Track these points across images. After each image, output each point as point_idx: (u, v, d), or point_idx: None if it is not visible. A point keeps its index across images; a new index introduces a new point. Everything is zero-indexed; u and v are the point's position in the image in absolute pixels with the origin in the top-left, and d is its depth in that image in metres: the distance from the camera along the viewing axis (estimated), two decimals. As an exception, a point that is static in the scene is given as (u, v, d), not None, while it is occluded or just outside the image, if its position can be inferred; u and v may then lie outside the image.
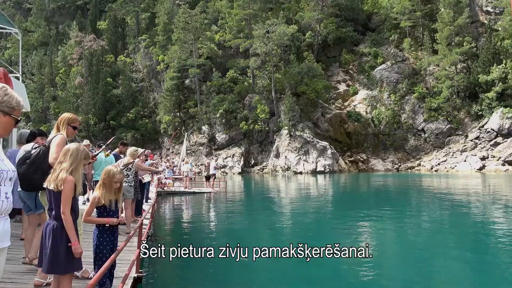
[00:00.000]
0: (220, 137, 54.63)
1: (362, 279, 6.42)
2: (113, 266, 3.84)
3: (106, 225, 3.68)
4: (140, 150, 10.24)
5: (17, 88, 9.66)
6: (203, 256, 8.37)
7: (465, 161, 46.86)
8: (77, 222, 3.24)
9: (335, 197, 21.56)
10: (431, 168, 48.95)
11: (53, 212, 3.09)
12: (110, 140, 7.82)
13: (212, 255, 8.28)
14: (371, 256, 8.04)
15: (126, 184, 7.90)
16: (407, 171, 50.59)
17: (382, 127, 54.77)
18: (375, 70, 56.93)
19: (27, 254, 4.64)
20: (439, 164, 48.92)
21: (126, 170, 7.86)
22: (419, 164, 51.37)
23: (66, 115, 4.49)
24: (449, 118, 51.23)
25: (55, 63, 72.15)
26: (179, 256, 8.56)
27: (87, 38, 65.35)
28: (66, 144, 5.44)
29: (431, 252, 8.36)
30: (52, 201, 3.09)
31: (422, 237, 10.06)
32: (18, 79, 10.60)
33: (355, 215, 13.56)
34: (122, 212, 6.95)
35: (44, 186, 3.14)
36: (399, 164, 52.51)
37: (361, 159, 53.18)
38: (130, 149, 8.17)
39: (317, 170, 47.43)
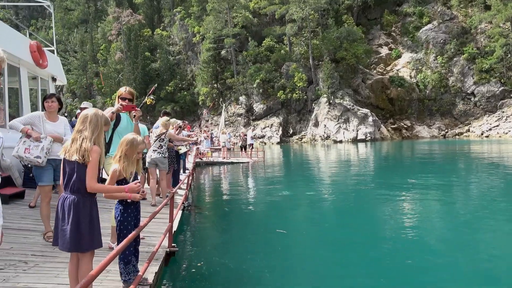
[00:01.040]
0: (258, 107, 54.25)
1: (404, 254, 6.00)
2: (137, 242, 3.68)
3: (132, 201, 3.46)
4: (175, 121, 10.12)
5: (51, 61, 9.77)
6: (241, 228, 8.30)
7: (520, 125, 43.68)
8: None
9: (377, 166, 20.79)
10: (482, 134, 46.13)
11: (74, 186, 2.90)
12: (152, 89, 7.53)
13: (251, 228, 8.20)
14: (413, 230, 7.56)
15: (160, 156, 7.78)
16: (455, 137, 48.05)
17: (427, 91, 51.94)
18: (420, 31, 53.42)
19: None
20: (490, 129, 45.97)
21: (159, 141, 7.75)
22: (468, 130, 48.56)
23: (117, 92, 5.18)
24: (502, 80, 47.51)
25: (95, 40, 73.88)
26: (216, 227, 8.55)
27: (124, 13, 66.10)
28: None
29: (478, 225, 7.68)
30: (73, 173, 2.89)
31: (469, 208, 9.32)
32: (53, 53, 10.71)
33: (398, 185, 12.92)
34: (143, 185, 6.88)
35: (62, 157, 2.95)
36: (446, 130, 49.91)
37: (405, 126, 51.04)
38: (162, 119, 7.96)
39: (358, 138, 46.15)
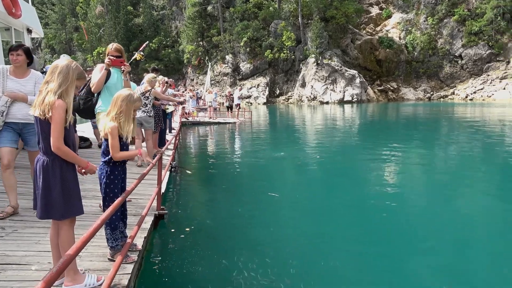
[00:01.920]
0: (244, 66, 53.13)
1: (384, 214, 5.99)
2: (124, 207, 3.44)
3: (120, 161, 3.20)
4: (162, 78, 9.64)
5: (25, 10, 9.03)
6: (230, 189, 8.15)
7: (504, 89, 44.15)
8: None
9: (362, 127, 20.78)
10: (466, 97, 46.58)
11: (42, 146, 2.60)
12: (143, 46, 7.05)
13: (240, 190, 8.06)
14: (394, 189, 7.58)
15: (145, 114, 7.41)
16: (440, 100, 48.41)
17: (416, 53, 51.55)
18: (412, -10, 52.14)
19: None
20: (475, 92, 46.39)
21: (144, 99, 7.34)
22: (453, 93, 48.92)
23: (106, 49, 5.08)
24: (490, 43, 47.35)
25: (74, -9, 69.92)
26: (205, 189, 8.39)
27: (104, -38, 62.21)
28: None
29: (458, 186, 7.81)
30: (39, 131, 2.60)
31: (450, 169, 9.45)
32: (28, 2, 9.90)
33: (382, 146, 12.92)
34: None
35: (30, 113, 2.62)
36: (432, 93, 50.16)
37: (391, 88, 51.04)
38: (148, 76, 7.47)
39: (345, 100, 46.02)
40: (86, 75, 2.82)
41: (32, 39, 10.62)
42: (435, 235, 5.19)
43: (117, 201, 2.67)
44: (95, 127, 9.17)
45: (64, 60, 2.64)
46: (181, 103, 18.62)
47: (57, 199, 2.60)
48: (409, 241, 4.98)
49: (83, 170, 2.79)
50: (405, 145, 13.12)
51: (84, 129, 11.75)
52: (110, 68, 5.15)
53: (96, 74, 5.10)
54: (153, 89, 7.49)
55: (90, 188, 5.52)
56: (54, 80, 2.53)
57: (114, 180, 3.20)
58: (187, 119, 21.73)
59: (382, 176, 8.66)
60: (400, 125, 21.61)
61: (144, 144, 7.70)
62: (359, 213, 6.22)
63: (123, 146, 3.23)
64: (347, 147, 13.32)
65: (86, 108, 5.13)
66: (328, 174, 9.35)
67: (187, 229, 5.28)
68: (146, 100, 7.38)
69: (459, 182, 8.22)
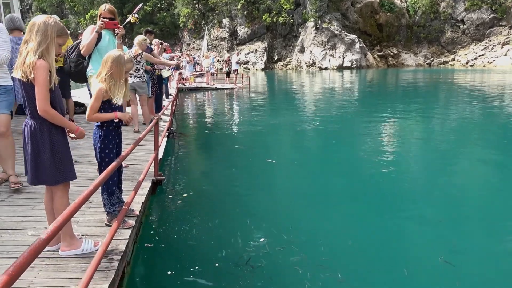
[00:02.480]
0: (242, 31, 51.86)
1: (380, 180, 6.00)
2: (120, 172, 3.37)
3: (113, 124, 3.09)
4: (156, 41, 9.33)
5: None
6: (228, 155, 8.10)
7: (505, 55, 43.51)
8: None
9: (361, 94, 20.58)
10: (466, 63, 45.96)
11: (28, 110, 2.48)
12: (137, 8, 6.62)
13: (238, 156, 8.00)
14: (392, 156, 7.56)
15: (138, 80, 7.14)
16: (440, 66, 47.78)
17: (417, 17, 50.33)
18: (416, -51, 50.18)
19: None
20: (475, 58, 45.72)
21: (135, 63, 7.04)
22: (454, 59, 48.22)
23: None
24: (493, 7, 46.16)
25: (63, -50, 66.91)
26: (202, 155, 8.34)
27: None
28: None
29: (456, 153, 7.80)
30: (24, 95, 2.48)
31: (448, 136, 9.41)
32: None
33: (380, 113, 12.84)
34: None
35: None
36: (432, 58, 49.41)
37: (391, 54, 50.21)
38: (138, 38, 7.09)
39: (344, 65, 45.35)
40: (67, 31, 2.64)
41: (21, 1, 10.16)
42: (430, 202, 5.21)
43: (112, 165, 2.59)
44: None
45: (41, 16, 2.46)
46: (177, 67, 18.26)
47: (47, 164, 2.52)
48: (403, 208, 5.00)
49: (72, 135, 2.70)
50: (403, 112, 13.03)
51: (79, 94, 11.54)
52: (102, 31, 4.96)
53: (87, 36, 4.90)
54: (144, 53, 7.19)
55: (87, 154, 5.45)
56: (33, 39, 2.37)
57: (109, 145, 3.11)
58: (184, 85, 21.40)
59: (380, 142, 8.62)
60: (399, 92, 21.40)
61: (140, 109, 7.55)
62: (356, 178, 6.23)
63: (115, 109, 3.11)
64: (345, 114, 13.22)
65: (77, 71, 4.98)
66: (326, 140, 9.30)
67: (185, 194, 5.27)
68: (138, 64, 7.07)
69: (458, 149, 8.20)
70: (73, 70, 4.96)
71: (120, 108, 3.18)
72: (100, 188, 3.24)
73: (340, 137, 9.49)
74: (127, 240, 3.08)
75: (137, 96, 7.34)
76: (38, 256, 2.71)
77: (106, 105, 3.09)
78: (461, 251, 3.83)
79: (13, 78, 2.86)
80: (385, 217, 4.65)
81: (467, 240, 4.09)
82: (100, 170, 3.12)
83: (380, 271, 3.48)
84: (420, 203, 5.09)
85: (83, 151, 5.54)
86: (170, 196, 5.22)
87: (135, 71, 7.05)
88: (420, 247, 3.95)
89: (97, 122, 3.12)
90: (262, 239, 3.93)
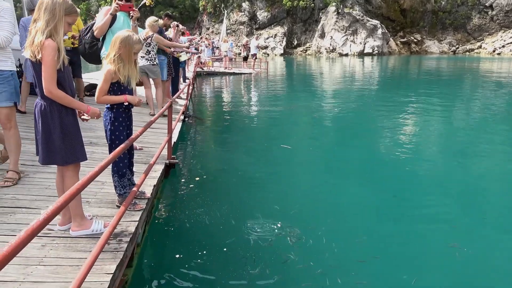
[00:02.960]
0: (262, 15, 51.24)
1: (398, 170, 5.86)
2: (131, 154, 3.37)
3: (123, 106, 3.06)
4: (174, 23, 9.25)
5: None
6: (244, 141, 8.07)
7: (535, 43, 41.75)
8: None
9: (381, 81, 20.14)
10: (493, 51, 44.35)
11: (38, 89, 2.48)
12: None
13: (253, 141, 7.95)
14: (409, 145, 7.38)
15: (148, 63, 6.98)
16: (465, 54, 46.26)
17: (443, 2, 48.65)
18: None
19: None
20: (503, 46, 44.06)
21: (145, 46, 6.90)
22: (480, 47, 46.60)
23: None
24: (525, -8, 44.14)
25: None
26: (217, 139, 8.32)
27: None
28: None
29: (477, 143, 7.54)
30: (34, 74, 2.47)
31: (470, 126, 9.10)
32: None
33: (401, 101, 12.54)
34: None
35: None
36: (457, 46, 47.87)
37: (415, 40, 48.85)
38: (149, 19, 6.92)
39: (365, 52, 44.42)
40: (77, 9, 2.59)
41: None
42: (448, 193, 5.06)
43: (120, 147, 2.58)
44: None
45: None
46: (196, 50, 18.14)
47: (57, 144, 2.52)
48: (421, 197, 4.87)
49: (84, 116, 2.67)
50: (425, 101, 12.67)
51: (97, 76, 11.64)
52: (117, 13, 4.93)
53: (100, 18, 4.88)
54: (155, 34, 7.05)
55: (102, 136, 5.47)
56: (41, 18, 2.34)
57: (119, 127, 3.10)
58: (202, 69, 21.36)
59: (399, 131, 8.42)
60: (421, 80, 20.83)
61: (154, 93, 7.51)
62: (372, 166, 6.11)
63: (125, 91, 3.08)
64: (364, 102, 12.96)
65: (91, 52, 4.97)
66: (344, 127, 9.15)
67: (198, 178, 5.27)
68: (148, 46, 6.92)
69: (480, 140, 7.92)
70: (87, 51, 4.96)
71: (131, 91, 3.16)
72: (111, 170, 3.26)
73: (359, 125, 9.32)
74: (136, 222, 3.09)
75: (150, 80, 7.26)
76: (49, 236, 2.77)
77: (116, 87, 3.06)
78: (476, 240, 3.71)
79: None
80: (401, 206, 4.55)
81: (483, 231, 3.96)
82: (111, 152, 3.12)
83: (394, 257, 3.41)
84: (437, 194, 4.96)
85: (99, 132, 5.59)
86: (183, 180, 5.24)
87: (146, 54, 6.94)
88: (433, 235, 3.85)
89: (107, 104, 3.10)
90: (274, 225, 3.90)
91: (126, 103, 3.09)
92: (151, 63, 7.05)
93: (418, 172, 5.83)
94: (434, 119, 9.88)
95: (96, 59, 5.12)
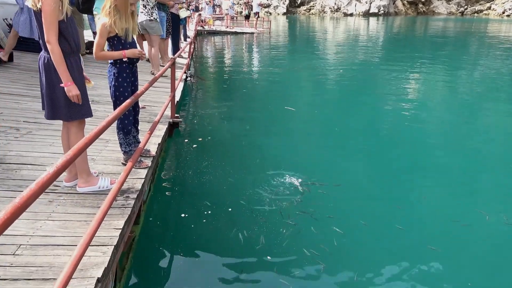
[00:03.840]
0: (265, -29, 49.21)
1: (402, 129, 5.83)
2: (136, 111, 3.30)
3: (125, 61, 2.95)
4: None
5: None
6: (247, 101, 7.94)
7: (547, 4, 40.38)
8: (79, 56, 2.53)
9: (387, 42, 19.67)
10: (503, 13, 43.00)
11: (41, 41, 2.37)
12: None
13: (257, 102, 7.83)
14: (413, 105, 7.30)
15: (146, 18, 6.73)
16: (473, 15, 44.91)
17: (454, -40, 46.56)
18: None
19: None
20: (513, 7, 42.63)
21: (141, 0, 6.61)
22: (489, 8, 45.11)
23: None
24: (541, -51, 42.15)
25: None
26: (220, 99, 8.20)
27: None
28: None
29: (481, 106, 7.45)
30: (38, 25, 2.35)
31: (475, 89, 8.96)
32: None
33: (406, 62, 12.29)
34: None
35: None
36: (466, 7, 46.37)
37: (422, 0, 47.23)
38: None
39: (370, 11, 43.11)
40: None
41: None
42: (450, 155, 5.05)
43: (126, 102, 2.52)
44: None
45: None
46: (196, 8, 17.62)
47: (61, 99, 2.45)
48: (421, 160, 4.86)
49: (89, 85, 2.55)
50: (430, 63, 12.43)
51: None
52: None
53: None
54: None
55: (104, 94, 5.40)
56: None
57: (123, 83, 3.01)
58: (203, 28, 20.81)
59: (403, 93, 8.31)
60: (427, 41, 20.34)
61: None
62: (376, 127, 6.07)
63: (125, 46, 2.96)
64: (369, 63, 12.70)
65: (84, 9, 4.80)
66: (348, 88, 9.01)
67: (201, 138, 5.24)
68: (143, 1, 6.62)
69: (484, 103, 7.83)
70: (81, 7, 4.78)
71: (133, 44, 3.03)
72: (116, 127, 3.21)
73: (363, 86, 9.18)
74: (143, 179, 3.09)
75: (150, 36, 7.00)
76: (56, 192, 2.77)
77: (116, 41, 2.93)
78: (478, 207, 3.73)
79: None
80: (402, 168, 4.54)
81: (485, 196, 3.98)
82: (115, 109, 3.05)
83: (396, 221, 3.44)
84: (440, 156, 4.94)
85: (101, 90, 5.50)
86: (186, 140, 5.21)
87: (142, 8, 6.67)
88: (434, 202, 3.87)
89: (110, 60, 3.00)
90: (277, 184, 3.91)
91: (125, 59, 2.97)
92: (148, 18, 6.75)
93: (422, 133, 5.80)
94: (439, 80, 9.71)
95: (90, 13, 4.95)
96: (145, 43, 7.47)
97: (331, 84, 9.49)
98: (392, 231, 3.27)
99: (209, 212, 3.40)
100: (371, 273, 2.76)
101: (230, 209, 3.46)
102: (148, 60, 7.05)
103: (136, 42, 3.09)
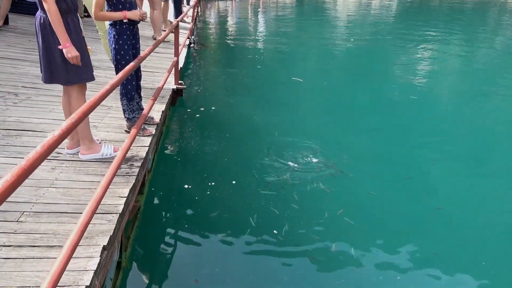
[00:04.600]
0: None
1: (408, 107, 5.69)
2: (138, 77, 3.16)
3: (125, 23, 2.78)
4: None
5: None
6: (252, 69, 7.73)
7: None
8: (77, 16, 2.37)
9: (400, 12, 19.03)
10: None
11: (37, 0, 2.22)
12: None
13: (263, 71, 7.61)
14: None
15: None
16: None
17: None
18: None
19: None
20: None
21: None
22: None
23: None
24: None
25: None
26: (225, 67, 7.99)
27: None
28: None
29: (494, 84, 7.19)
30: None
31: (489, 66, 8.65)
32: None
33: (419, 34, 11.88)
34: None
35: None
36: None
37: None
38: None
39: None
40: None
41: None
42: (457, 135, 4.91)
43: (130, 65, 2.39)
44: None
45: None
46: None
47: (59, 61, 2.32)
48: (427, 139, 4.74)
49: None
50: (445, 36, 11.98)
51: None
52: None
53: None
54: None
55: (104, 59, 5.24)
56: None
57: (124, 46, 2.85)
58: (206, -7, 20.15)
59: (414, 67, 8.07)
60: (443, 12, 19.65)
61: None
62: (384, 103, 5.93)
63: (125, 6, 2.77)
64: (380, 34, 12.29)
65: None
66: (358, 59, 8.76)
67: (203, 108, 5.12)
68: None
69: (497, 82, 7.54)
70: None
71: (132, 4, 2.86)
72: (119, 93, 3.09)
73: (372, 57, 8.93)
74: (147, 147, 3.01)
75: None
76: (58, 159, 2.69)
77: (115, 1, 2.77)
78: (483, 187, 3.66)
79: None
80: (407, 145, 4.45)
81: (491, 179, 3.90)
82: (117, 73, 2.92)
83: (399, 196, 3.39)
84: (446, 135, 4.80)
85: (100, 55, 5.34)
86: (189, 110, 5.08)
87: None
88: (438, 178, 3.80)
89: (110, 21, 2.84)
90: (281, 157, 3.83)
91: (125, 21, 2.81)
92: None
93: (430, 111, 5.67)
94: (453, 55, 9.39)
95: None
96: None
97: (341, 54, 9.22)
98: (401, 210, 3.22)
99: (213, 183, 3.34)
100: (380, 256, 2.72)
101: (234, 182, 3.39)
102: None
103: (136, 2, 2.91)
